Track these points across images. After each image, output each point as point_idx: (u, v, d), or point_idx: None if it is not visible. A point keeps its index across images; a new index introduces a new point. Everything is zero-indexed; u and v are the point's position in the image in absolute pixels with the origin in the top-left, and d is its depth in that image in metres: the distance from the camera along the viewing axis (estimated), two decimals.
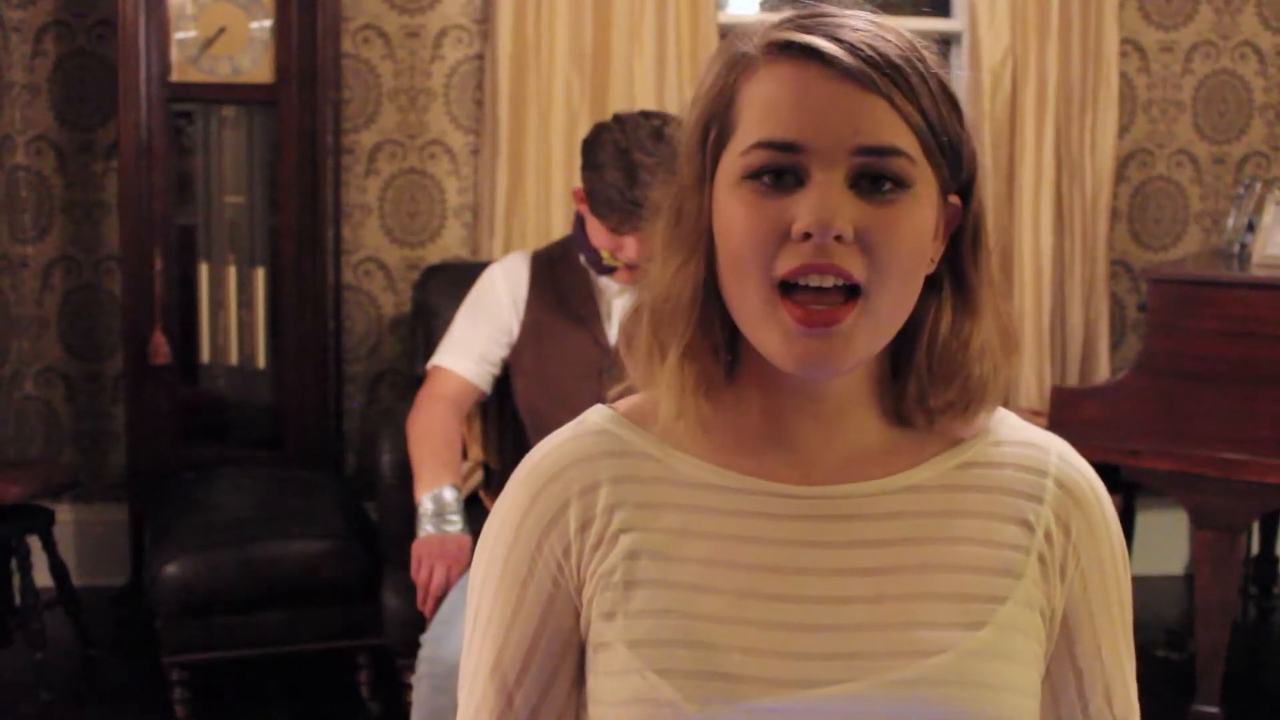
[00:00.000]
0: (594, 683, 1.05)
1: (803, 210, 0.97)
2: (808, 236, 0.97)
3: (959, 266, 1.05)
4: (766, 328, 0.99)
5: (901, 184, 0.98)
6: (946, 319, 1.05)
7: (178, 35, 3.55)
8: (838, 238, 0.96)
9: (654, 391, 1.07)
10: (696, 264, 1.04)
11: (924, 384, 1.05)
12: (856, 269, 0.97)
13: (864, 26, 1.00)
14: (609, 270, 2.71)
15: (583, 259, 2.76)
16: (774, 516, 1.04)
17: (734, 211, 1.00)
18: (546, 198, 3.79)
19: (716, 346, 1.05)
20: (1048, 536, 1.06)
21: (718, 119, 1.03)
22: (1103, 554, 1.08)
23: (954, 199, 1.04)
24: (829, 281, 0.97)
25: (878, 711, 0.98)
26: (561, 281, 2.78)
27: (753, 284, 0.99)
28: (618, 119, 2.66)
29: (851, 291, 0.98)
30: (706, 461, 1.06)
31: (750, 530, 1.04)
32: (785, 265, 0.98)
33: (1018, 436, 1.10)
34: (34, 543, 3.34)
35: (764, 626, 1.01)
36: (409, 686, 2.57)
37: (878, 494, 1.05)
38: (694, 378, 1.04)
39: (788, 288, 0.98)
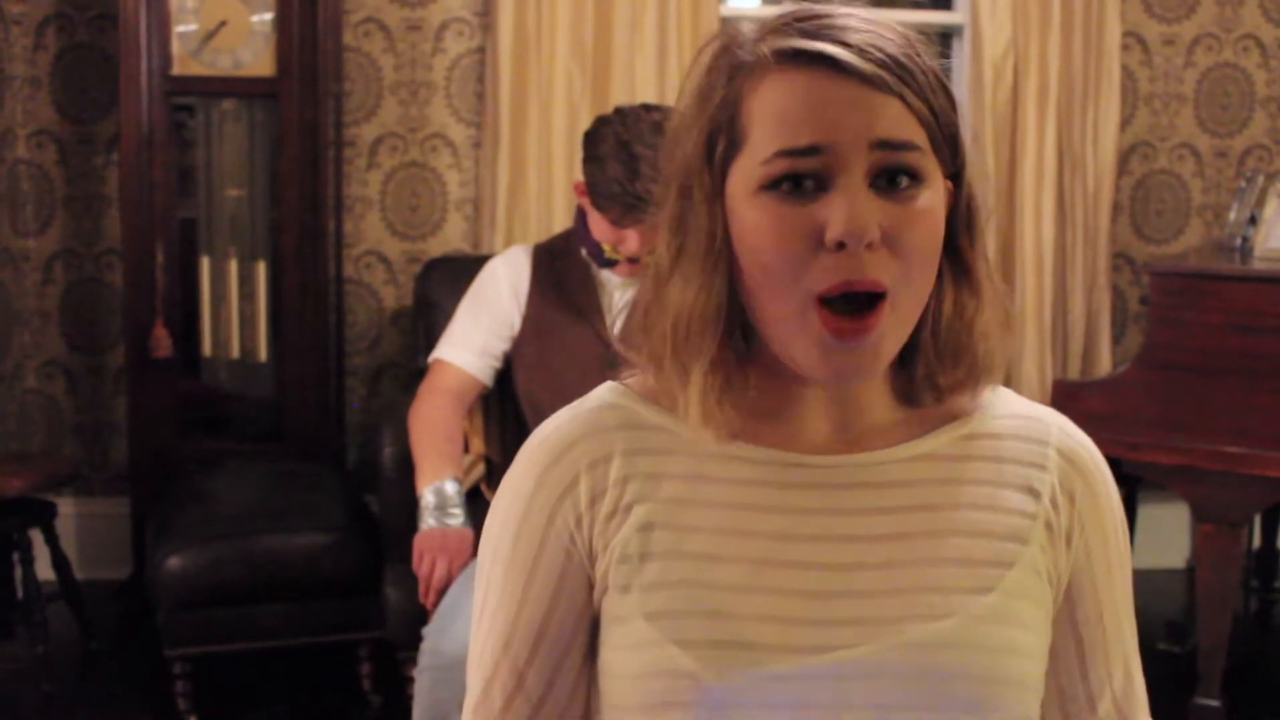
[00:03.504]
0: (609, 656, 1.05)
1: (834, 218, 0.97)
2: (841, 246, 0.97)
3: (955, 247, 1.06)
4: (798, 340, 1.01)
5: (916, 178, 1.00)
6: (949, 299, 1.06)
7: (178, 29, 3.55)
8: (868, 245, 0.97)
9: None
10: (720, 281, 1.03)
11: (932, 364, 1.07)
12: (885, 275, 0.98)
13: (865, 27, 1.01)
14: (610, 263, 2.71)
15: (584, 252, 2.76)
16: (786, 485, 1.05)
17: (757, 221, 1.00)
18: (548, 191, 3.79)
19: (740, 353, 1.05)
20: (1054, 503, 1.08)
21: (723, 130, 1.02)
22: (1105, 524, 1.10)
23: (947, 183, 1.05)
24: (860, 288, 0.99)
25: (888, 673, 1.00)
26: (563, 275, 2.78)
27: (784, 296, 1.00)
28: (619, 112, 2.65)
29: (878, 295, 0.99)
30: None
31: (762, 499, 1.05)
32: (823, 281, 0.98)
33: (1017, 410, 1.12)
34: (36, 536, 3.35)
35: (778, 594, 1.02)
36: (411, 679, 2.58)
37: (887, 462, 1.07)
38: (719, 389, 1.04)
39: (823, 300, 0.99)
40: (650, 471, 1.06)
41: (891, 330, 1.00)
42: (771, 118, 1.00)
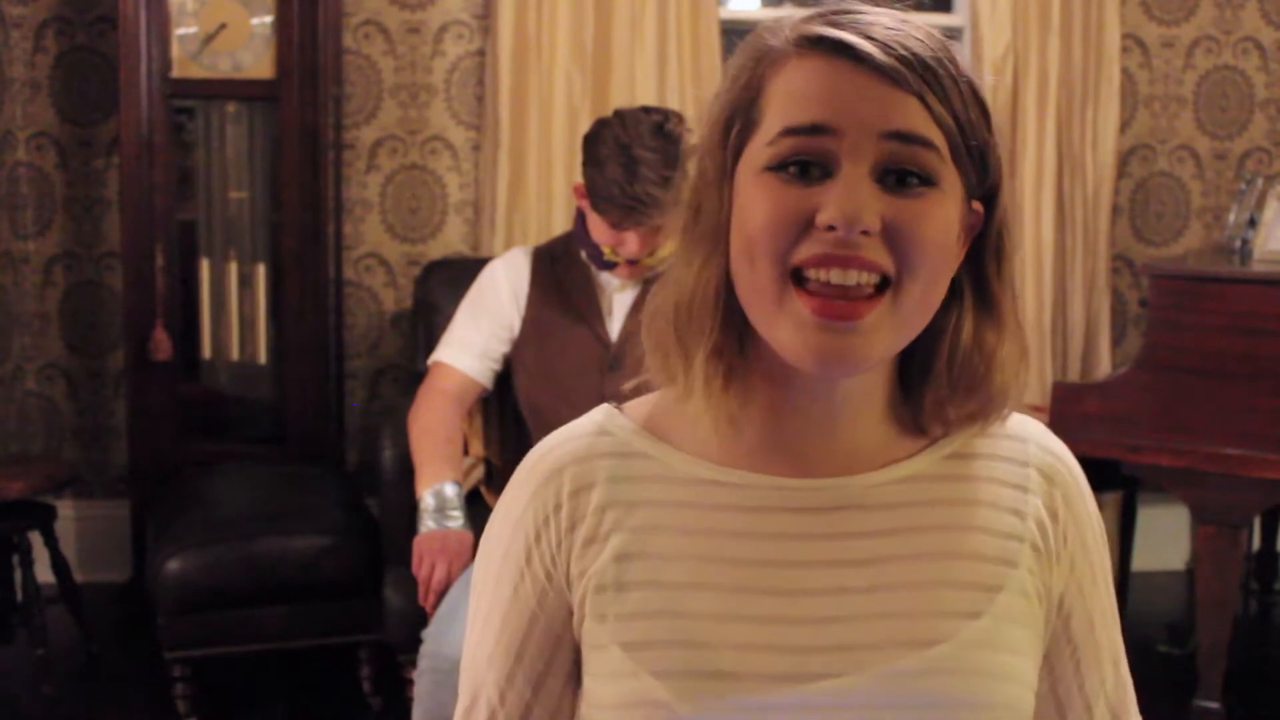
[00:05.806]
0: (589, 683, 1.04)
1: (829, 201, 0.94)
2: (831, 229, 0.94)
3: (981, 275, 1.03)
4: (778, 319, 0.97)
5: (928, 180, 0.96)
6: (968, 328, 1.03)
7: (178, 31, 3.55)
8: (864, 232, 0.94)
9: (670, 391, 1.06)
10: (719, 260, 1.01)
11: (944, 394, 1.04)
12: (884, 262, 0.95)
13: (896, 25, 0.99)
14: (610, 266, 2.71)
15: (584, 254, 2.76)
16: (769, 510, 1.03)
17: (753, 198, 0.98)
18: (547, 193, 3.79)
19: (742, 341, 1.03)
20: (1039, 525, 1.06)
21: (741, 113, 1.01)
22: (1086, 534, 1.09)
23: (977, 205, 1.02)
24: (851, 278, 0.95)
25: (874, 703, 0.98)
26: (563, 277, 2.78)
27: (764, 270, 0.96)
28: (619, 114, 2.65)
29: (880, 285, 0.96)
30: (704, 459, 1.05)
31: (745, 525, 1.03)
32: (804, 252, 0.95)
33: (997, 428, 1.09)
34: (35, 539, 3.35)
35: (759, 621, 1.00)
36: (410, 682, 2.58)
37: (874, 485, 1.04)
38: (723, 375, 1.02)
39: (801, 278, 0.96)
40: (629, 499, 1.04)
41: (887, 326, 0.96)
42: (785, 99, 0.98)
